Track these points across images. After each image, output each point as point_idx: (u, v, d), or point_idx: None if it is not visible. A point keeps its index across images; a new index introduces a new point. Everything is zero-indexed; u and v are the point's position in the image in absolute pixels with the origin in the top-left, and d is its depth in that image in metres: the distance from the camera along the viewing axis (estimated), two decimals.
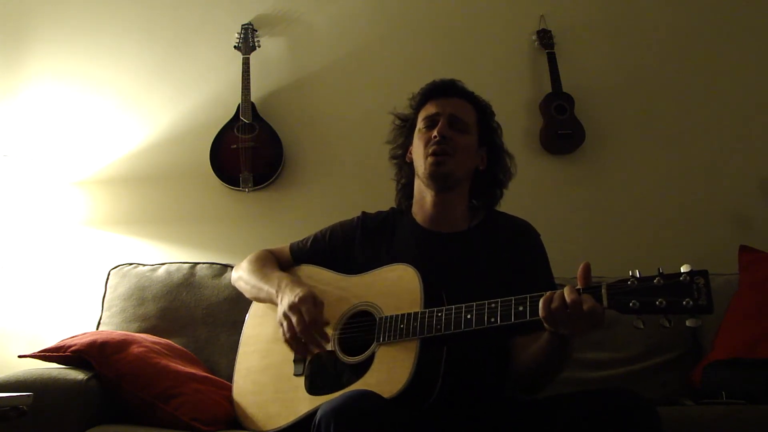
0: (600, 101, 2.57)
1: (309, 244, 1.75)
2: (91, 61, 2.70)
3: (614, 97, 2.58)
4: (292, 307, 1.46)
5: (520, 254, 1.57)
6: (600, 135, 2.54)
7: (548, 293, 1.25)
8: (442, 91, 1.68)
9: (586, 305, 1.20)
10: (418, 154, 1.63)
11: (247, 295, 1.75)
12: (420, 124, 1.66)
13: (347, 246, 1.70)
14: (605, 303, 1.21)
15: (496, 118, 1.73)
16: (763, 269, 2.06)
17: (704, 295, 1.13)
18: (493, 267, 1.55)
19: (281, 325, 1.48)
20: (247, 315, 1.77)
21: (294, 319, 1.44)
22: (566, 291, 1.23)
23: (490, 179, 1.68)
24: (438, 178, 1.58)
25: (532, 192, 2.43)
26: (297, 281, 1.58)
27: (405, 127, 1.74)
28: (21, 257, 2.52)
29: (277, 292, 1.57)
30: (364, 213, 1.75)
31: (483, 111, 1.69)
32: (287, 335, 1.46)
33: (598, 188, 2.52)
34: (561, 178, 2.53)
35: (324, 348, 1.45)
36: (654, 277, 1.18)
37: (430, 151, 1.58)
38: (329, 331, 1.50)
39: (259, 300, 1.69)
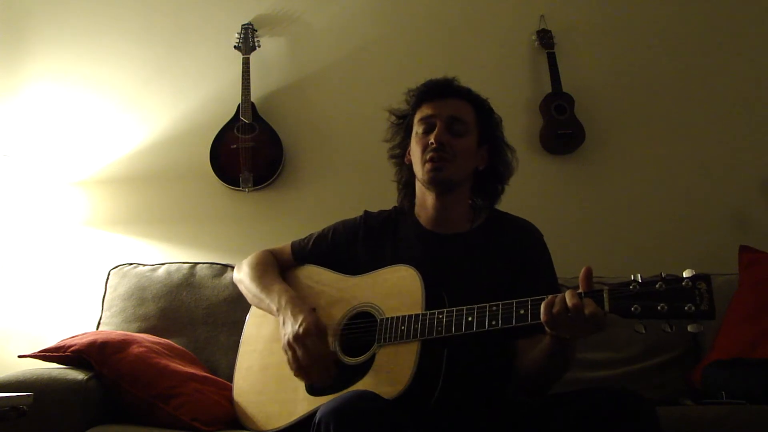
0: (600, 101, 2.57)
1: (311, 243, 1.75)
2: (91, 61, 2.70)
3: (614, 97, 2.58)
4: (297, 338, 1.44)
5: (522, 255, 1.56)
6: (600, 135, 2.54)
7: (550, 297, 1.25)
8: (438, 91, 1.63)
9: (587, 309, 1.19)
10: (416, 159, 1.61)
11: (248, 300, 1.74)
12: (417, 127, 1.63)
13: (349, 245, 1.69)
14: (607, 307, 1.20)
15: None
16: (763, 269, 2.06)
17: (706, 301, 1.12)
18: (496, 268, 1.55)
19: (286, 353, 1.47)
20: (248, 314, 1.77)
21: (299, 353, 1.43)
22: (567, 295, 1.22)
23: (490, 176, 1.66)
24: (437, 184, 1.57)
25: (532, 192, 2.43)
26: (298, 300, 1.55)
27: (402, 125, 1.71)
28: (21, 257, 2.53)
29: (278, 310, 1.55)
30: (366, 212, 1.74)
31: (481, 108, 1.65)
32: (293, 366, 1.46)
33: (598, 188, 2.52)
34: (561, 178, 2.53)
35: (329, 379, 1.44)
36: (656, 282, 1.17)
37: (428, 157, 1.55)
38: (329, 335, 1.50)
39: (260, 308, 1.69)
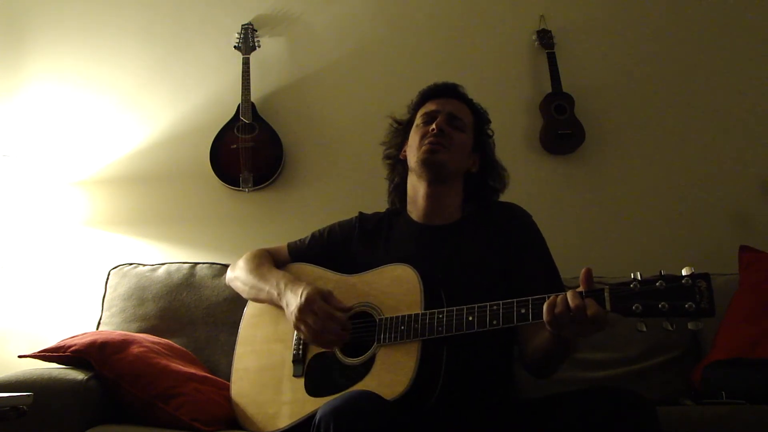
0: (600, 101, 2.57)
1: (307, 243, 1.75)
2: (91, 61, 2.70)
3: (614, 97, 2.58)
4: (303, 309, 1.45)
5: (514, 237, 1.58)
6: (600, 135, 2.54)
7: (551, 297, 1.25)
8: (443, 92, 1.70)
9: (589, 310, 1.20)
10: (413, 147, 1.64)
11: (245, 296, 1.74)
12: (418, 120, 1.68)
13: (345, 245, 1.70)
14: (608, 307, 1.21)
15: (496, 118, 1.74)
16: (763, 269, 2.06)
17: (706, 298, 1.14)
18: (489, 253, 1.56)
19: (299, 330, 1.48)
20: (243, 314, 1.76)
21: (310, 321, 1.44)
22: (569, 295, 1.23)
23: (481, 185, 1.69)
24: (431, 165, 1.59)
25: (532, 192, 2.42)
26: (296, 280, 1.57)
27: (401, 130, 1.75)
28: (21, 257, 2.53)
29: (278, 294, 1.56)
30: (361, 213, 1.76)
31: (480, 117, 1.71)
32: (310, 338, 1.47)
33: (598, 188, 2.52)
34: (561, 178, 2.53)
35: (348, 334, 1.46)
36: (656, 280, 1.18)
37: (426, 142, 1.60)
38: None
39: (259, 301, 1.69)
